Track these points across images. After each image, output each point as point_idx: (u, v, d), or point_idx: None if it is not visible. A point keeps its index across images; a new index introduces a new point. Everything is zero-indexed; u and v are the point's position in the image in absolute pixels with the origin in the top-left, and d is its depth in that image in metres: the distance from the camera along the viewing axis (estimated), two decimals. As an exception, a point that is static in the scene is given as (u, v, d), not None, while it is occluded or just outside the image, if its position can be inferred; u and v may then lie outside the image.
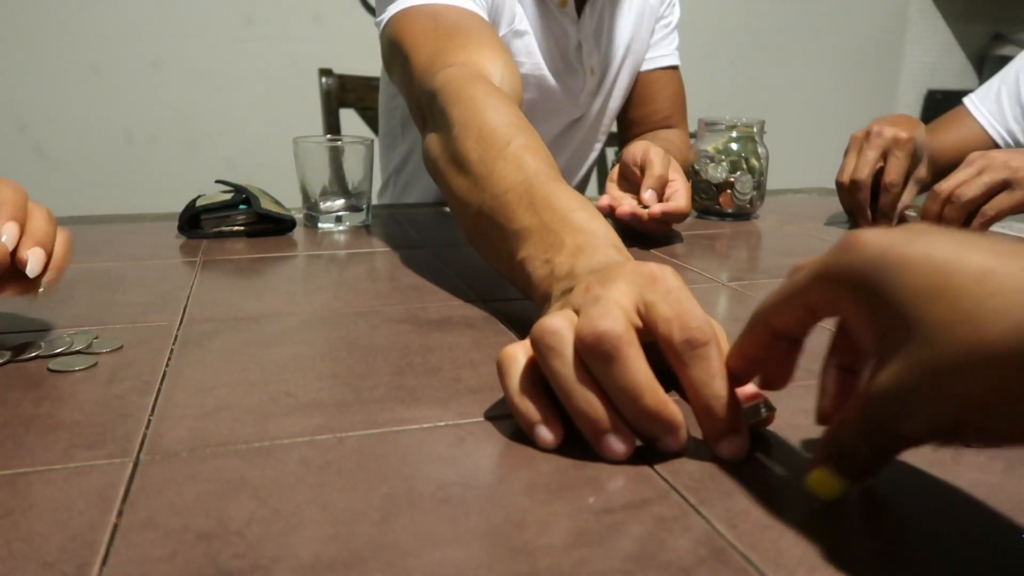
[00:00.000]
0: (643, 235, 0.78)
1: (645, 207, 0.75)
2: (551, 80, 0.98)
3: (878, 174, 0.84)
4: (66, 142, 1.98)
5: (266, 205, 0.78)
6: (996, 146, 1.04)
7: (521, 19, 0.93)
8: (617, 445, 0.33)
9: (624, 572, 0.26)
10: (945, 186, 0.78)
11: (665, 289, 0.34)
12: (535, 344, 0.34)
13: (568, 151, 1.08)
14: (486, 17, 0.83)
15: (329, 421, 0.37)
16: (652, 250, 0.74)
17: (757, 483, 0.32)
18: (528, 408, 0.34)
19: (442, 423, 0.37)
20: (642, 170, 0.78)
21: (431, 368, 0.44)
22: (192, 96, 2.05)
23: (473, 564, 0.26)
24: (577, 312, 0.35)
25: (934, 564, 0.27)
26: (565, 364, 0.33)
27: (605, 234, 0.45)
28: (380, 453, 0.34)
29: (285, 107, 2.09)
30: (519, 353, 0.36)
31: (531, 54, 0.95)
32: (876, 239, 0.27)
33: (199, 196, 0.80)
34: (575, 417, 0.34)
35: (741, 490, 0.31)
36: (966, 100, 1.07)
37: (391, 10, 0.78)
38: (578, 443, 0.34)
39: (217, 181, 0.83)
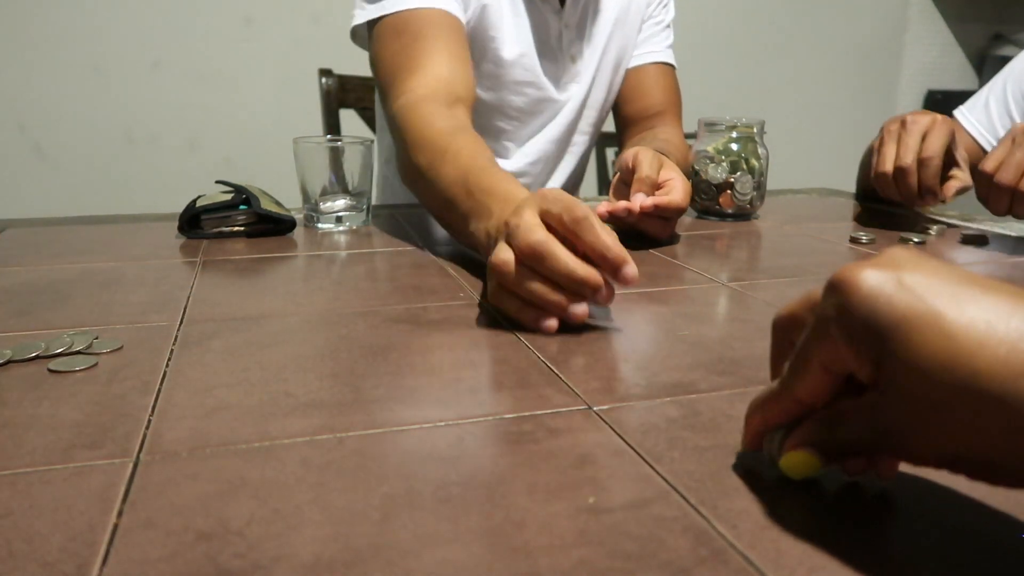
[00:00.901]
0: (646, 236, 0.77)
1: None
2: (533, 62, 1.01)
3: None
4: (66, 142, 1.98)
5: (266, 205, 0.78)
6: (986, 154, 1.05)
7: (506, 5, 0.97)
8: (555, 319, 0.49)
9: (624, 572, 0.26)
10: (991, 165, 0.77)
11: (553, 196, 0.49)
12: (496, 276, 0.50)
13: (552, 137, 1.09)
14: (460, 9, 0.90)
15: (329, 421, 0.37)
16: (652, 250, 0.74)
17: (757, 483, 0.32)
18: (527, 312, 0.50)
19: (442, 423, 0.37)
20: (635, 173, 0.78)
21: (431, 368, 0.44)
22: (192, 96, 2.05)
23: (473, 564, 0.26)
24: (508, 240, 0.49)
25: (934, 564, 0.27)
26: (520, 277, 0.48)
27: (524, 195, 0.56)
28: (380, 453, 0.34)
29: (285, 107, 2.09)
30: (496, 285, 0.51)
31: (511, 39, 0.98)
32: (865, 282, 0.26)
33: (199, 196, 0.80)
34: (539, 302, 0.48)
35: (741, 490, 0.31)
36: (956, 112, 1.08)
37: (363, 16, 0.89)
38: (578, 443, 0.34)
39: (217, 181, 0.83)
